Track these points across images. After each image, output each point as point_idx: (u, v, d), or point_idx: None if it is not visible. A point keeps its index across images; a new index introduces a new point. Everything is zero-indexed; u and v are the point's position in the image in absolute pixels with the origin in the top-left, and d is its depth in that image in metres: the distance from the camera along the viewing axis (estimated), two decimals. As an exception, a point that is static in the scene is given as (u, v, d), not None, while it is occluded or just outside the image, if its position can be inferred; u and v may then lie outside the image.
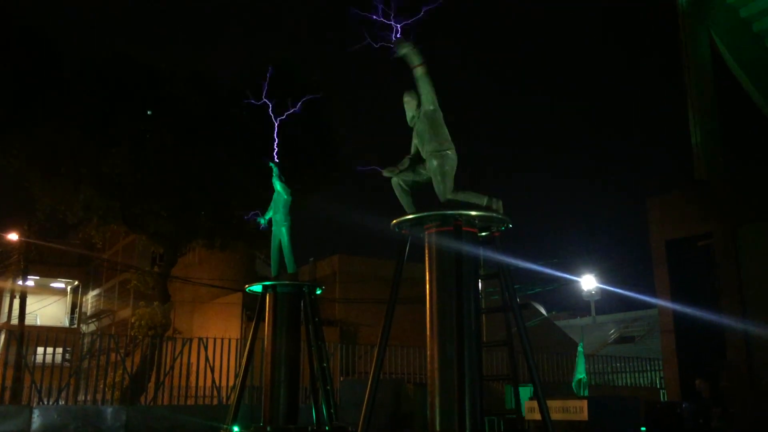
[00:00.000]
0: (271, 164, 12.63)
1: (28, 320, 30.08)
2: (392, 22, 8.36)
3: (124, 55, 21.51)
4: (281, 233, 12.41)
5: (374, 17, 8.42)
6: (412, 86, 8.44)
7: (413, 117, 8.46)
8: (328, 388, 12.05)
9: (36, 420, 14.79)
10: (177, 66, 21.97)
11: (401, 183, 8.51)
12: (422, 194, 8.52)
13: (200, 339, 18.24)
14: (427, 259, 8.19)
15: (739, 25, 20.36)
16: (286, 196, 12.45)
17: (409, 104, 8.47)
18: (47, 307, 46.77)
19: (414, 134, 8.49)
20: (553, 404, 12.08)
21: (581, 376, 15.22)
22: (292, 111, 12.78)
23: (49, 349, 18.18)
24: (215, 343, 18.10)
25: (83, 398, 20.90)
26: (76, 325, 50.80)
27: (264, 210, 12.75)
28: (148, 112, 20.67)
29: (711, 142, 19.07)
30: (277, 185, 12.44)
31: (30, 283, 32.59)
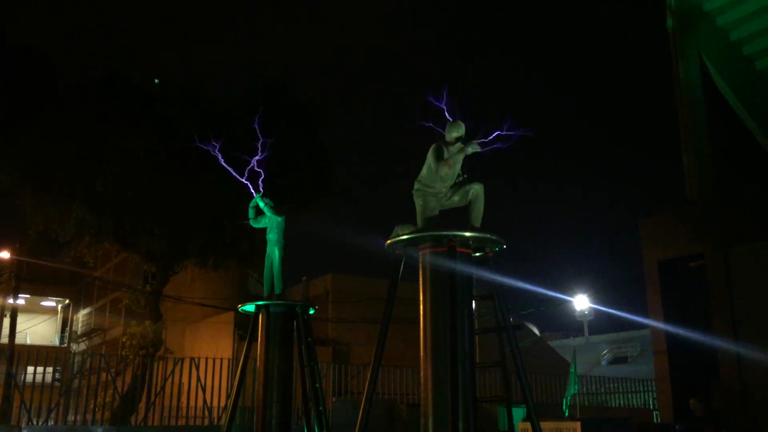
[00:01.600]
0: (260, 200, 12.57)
1: (18, 339, 29.83)
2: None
3: (117, 74, 21.55)
4: (274, 254, 12.40)
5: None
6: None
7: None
8: (321, 408, 11.98)
9: (25, 440, 14.66)
10: (171, 85, 22.01)
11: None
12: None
13: (192, 359, 18.12)
14: (421, 279, 8.20)
15: (729, 48, 20.59)
16: (279, 219, 12.44)
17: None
18: (37, 325, 46.45)
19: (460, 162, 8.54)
20: (546, 426, 12.05)
21: (572, 392, 15.33)
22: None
23: (39, 369, 18.03)
24: (207, 363, 17.99)
25: (73, 418, 20.69)
26: (66, 344, 50.42)
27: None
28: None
29: (702, 162, 19.21)
30: (270, 214, 12.42)
31: (21, 301, 32.36)
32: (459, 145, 8.50)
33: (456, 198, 8.46)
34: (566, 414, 15.26)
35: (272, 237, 12.41)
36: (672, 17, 20.29)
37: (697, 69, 20.02)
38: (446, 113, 8.66)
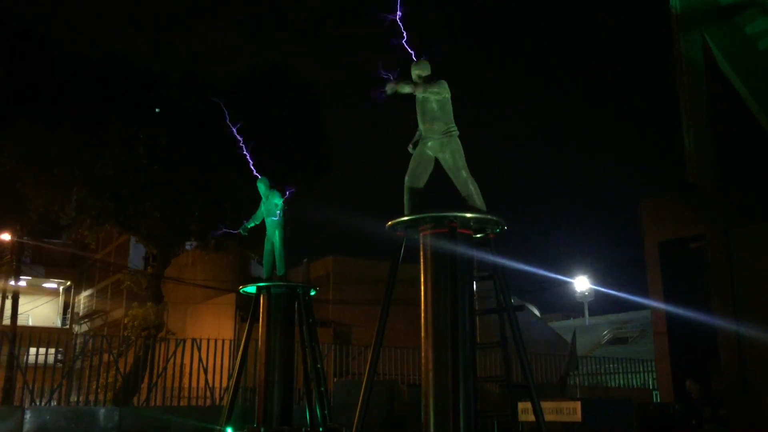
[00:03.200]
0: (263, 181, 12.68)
1: (20, 320, 29.94)
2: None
3: (118, 57, 21.44)
4: (274, 235, 12.41)
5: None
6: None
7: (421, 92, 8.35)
8: (322, 389, 12.05)
9: (28, 421, 14.74)
10: (171, 68, 21.91)
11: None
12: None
13: (193, 340, 18.20)
14: (422, 260, 8.20)
15: (732, 28, 20.45)
16: (279, 201, 12.44)
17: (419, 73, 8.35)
18: (39, 307, 46.62)
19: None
20: (546, 405, 12.11)
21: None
22: None
23: (42, 350, 18.10)
24: (208, 344, 18.08)
25: (76, 399, 20.83)
26: (68, 326, 50.61)
27: (250, 215, 12.83)
28: (156, 110, 20.64)
29: (704, 144, 19.15)
30: (272, 198, 12.44)
31: (22, 283, 32.46)
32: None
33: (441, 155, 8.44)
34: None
35: (272, 219, 12.42)
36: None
37: (699, 50, 19.91)
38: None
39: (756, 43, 20.77)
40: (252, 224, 12.80)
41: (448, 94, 8.34)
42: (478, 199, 8.26)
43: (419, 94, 8.23)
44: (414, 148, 8.53)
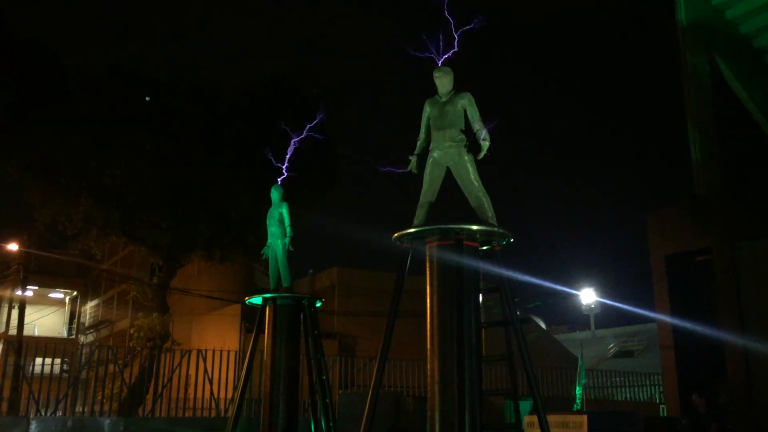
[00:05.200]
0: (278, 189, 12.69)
1: (27, 330, 29.98)
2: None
3: (124, 67, 21.57)
4: (277, 245, 12.36)
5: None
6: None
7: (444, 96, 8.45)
8: (327, 401, 12.01)
9: (33, 431, 14.75)
10: (177, 78, 22.02)
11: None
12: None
13: (199, 351, 18.19)
14: (428, 272, 8.18)
15: (739, 42, 20.48)
16: (282, 211, 12.41)
17: (445, 79, 8.43)
18: (45, 317, 46.66)
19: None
20: (552, 419, 12.06)
21: (579, 388, 15.40)
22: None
23: (48, 360, 18.11)
24: (214, 355, 18.06)
25: (81, 409, 20.80)
26: (74, 336, 50.63)
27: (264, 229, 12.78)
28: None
29: (710, 157, 19.13)
30: (283, 209, 12.42)
31: (29, 293, 32.53)
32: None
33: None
34: (579, 407, 15.33)
35: (274, 230, 12.39)
36: (682, 10, 20.19)
37: (706, 63, 19.92)
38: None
39: (763, 56, 20.80)
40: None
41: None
42: (489, 210, 8.20)
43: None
44: (416, 158, 8.54)
